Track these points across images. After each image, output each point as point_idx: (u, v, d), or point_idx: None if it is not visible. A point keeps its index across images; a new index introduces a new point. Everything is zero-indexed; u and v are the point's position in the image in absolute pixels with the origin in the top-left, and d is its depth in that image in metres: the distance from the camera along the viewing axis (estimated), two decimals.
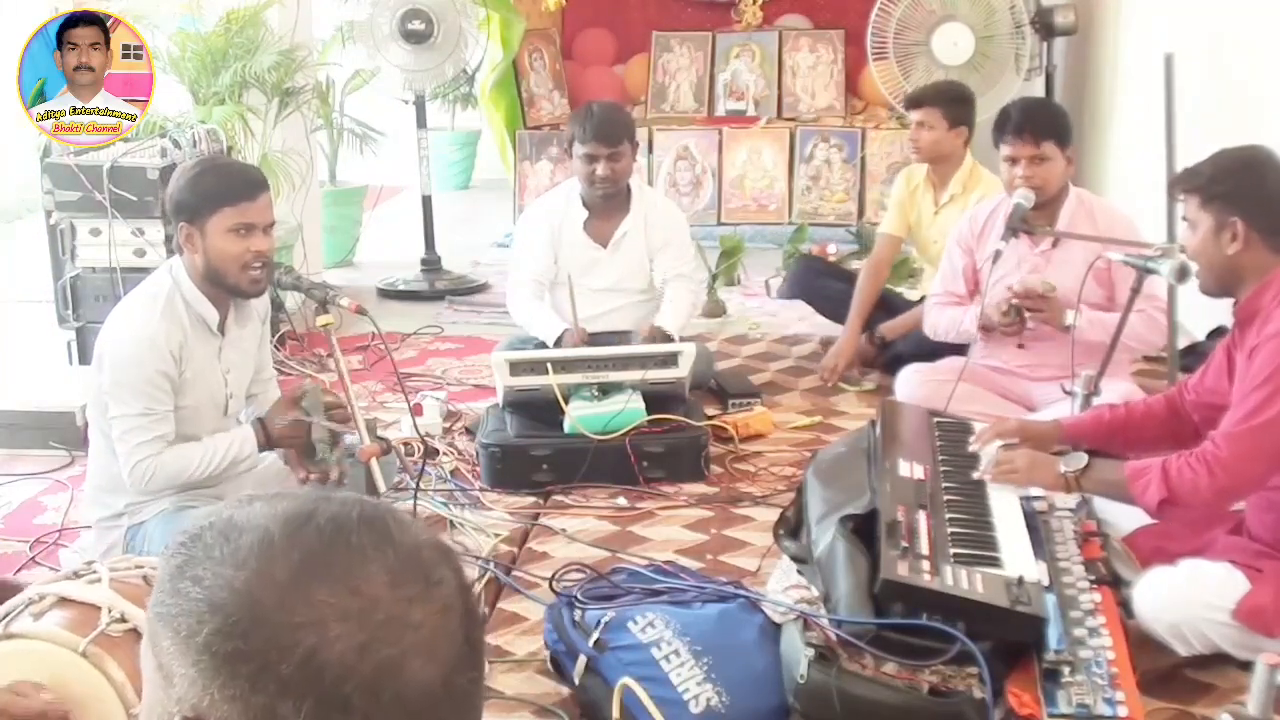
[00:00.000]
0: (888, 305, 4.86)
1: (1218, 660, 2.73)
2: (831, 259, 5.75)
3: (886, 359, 4.70)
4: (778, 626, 2.68)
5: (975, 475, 3.00)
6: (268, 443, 3.25)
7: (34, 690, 2.05)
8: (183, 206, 3.10)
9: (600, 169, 4.45)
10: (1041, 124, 3.91)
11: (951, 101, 4.74)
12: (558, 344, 4.36)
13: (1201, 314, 3.45)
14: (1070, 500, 3.05)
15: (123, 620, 2.19)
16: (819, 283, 5.17)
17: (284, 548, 0.85)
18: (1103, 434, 3.12)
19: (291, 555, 0.85)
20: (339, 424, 3.24)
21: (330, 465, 3.25)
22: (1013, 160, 3.89)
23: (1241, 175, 2.80)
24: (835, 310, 4.96)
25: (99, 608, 2.19)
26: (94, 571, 2.30)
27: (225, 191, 3.09)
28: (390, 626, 0.84)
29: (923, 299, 4.61)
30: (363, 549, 0.86)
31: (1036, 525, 2.88)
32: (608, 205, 4.56)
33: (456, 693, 0.87)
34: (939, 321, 4.21)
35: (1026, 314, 3.89)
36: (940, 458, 3.08)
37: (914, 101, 4.83)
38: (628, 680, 2.42)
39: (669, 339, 4.40)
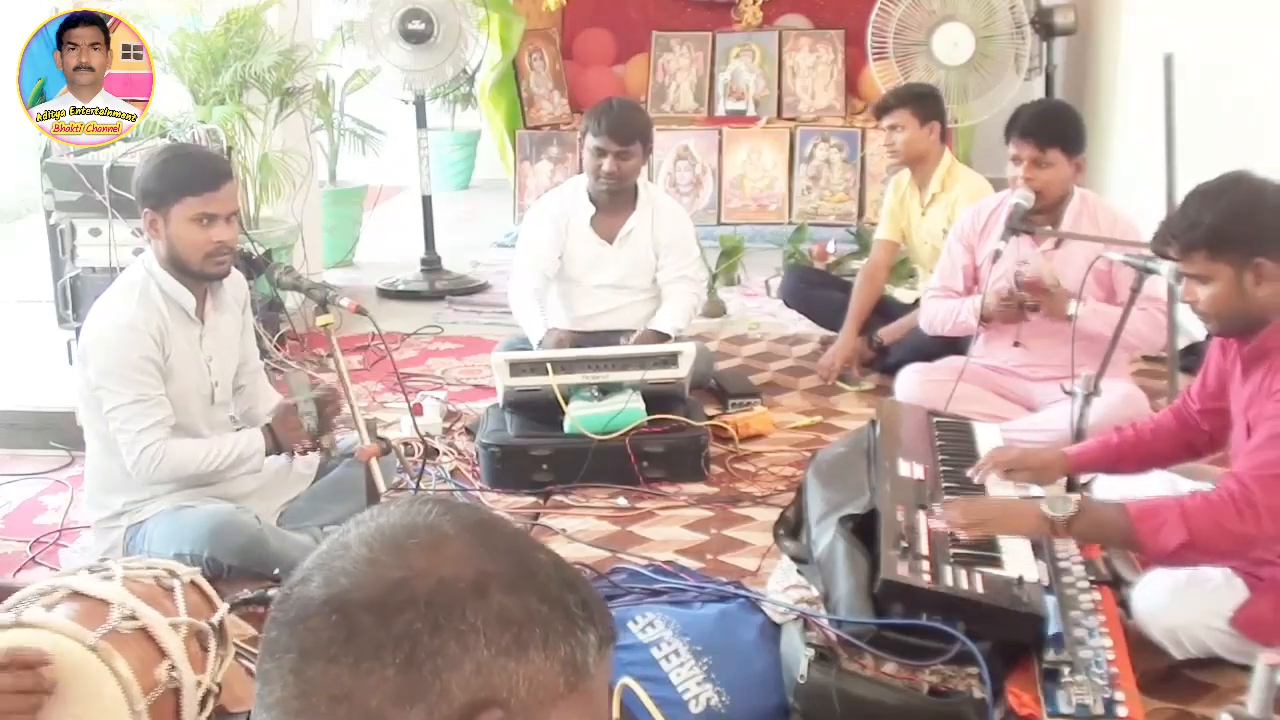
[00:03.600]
0: (884, 310, 4.86)
1: (1217, 660, 2.73)
2: (831, 258, 5.75)
3: (884, 365, 4.69)
4: (778, 626, 2.68)
5: (954, 531, 2.67)
6: (275, 444, 3.25)
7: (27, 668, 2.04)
8: (148, 193, 3.11)
9: (607, 164, 4.44)
10: (1048, 130, 3.89)
11: (918, 99, 4.78)
12: (540, 345, 4.36)
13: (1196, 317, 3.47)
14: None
15: (133, 618, 2.20)
16: (813, 293, 5.17)
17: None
18: (1110, 459, 3.04)
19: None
20: (323, 401, 3.25)
21: (323, 433, 3.28)
22: (1017, 159, 3.90)
23: (1250, 213, 2.63)
24: (832, 319, 4.96)
25: (110, 604, 2.20)
26: (107, 568, 2.31)
27: (189, 181, 3.10)
28: (334, 548, 0.92)
29: (917, 302, 4.62)
30: (397, 508, 0.94)
31: None
32: (614, 202, 4.57)
33: (319, 620, 0.88)
34: (935, 314, 4.21)
35: (1027, 308, 3.89)
36: (940, 458, 3.08)
37: (882, 109, 4.84)
38: (628, 680, 2.42)
39: (666, 340, 4.40)
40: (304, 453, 3.34)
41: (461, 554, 0.90)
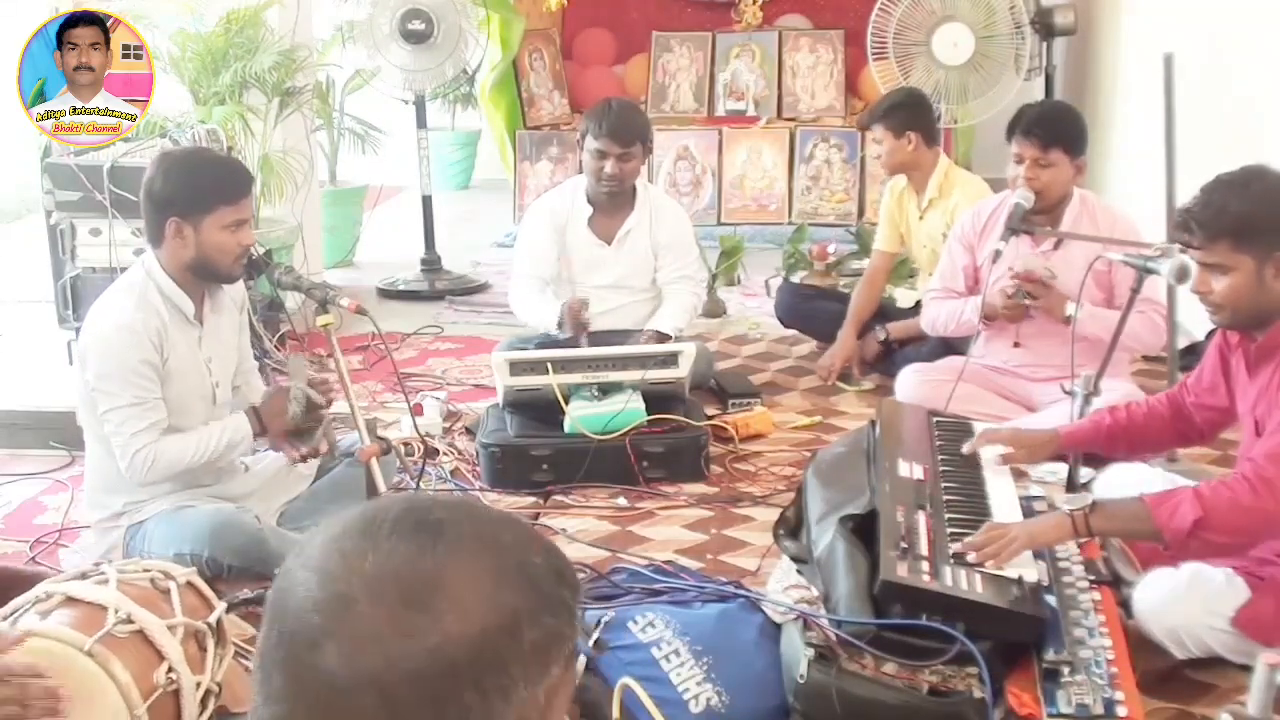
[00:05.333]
0: (883, 315, 4.84)
1: (1217, 660, 2.73)
2: (831, 258, 5.74)
3: (888, 369, 4.65)
4: (778, 626, 2.68)
5: (970, 557, 2.65)
6: (261, 426, 3.25)
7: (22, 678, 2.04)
8: (175, 201, 3.09)
9: (609, 167, 4.44)
10: (1052, 130, 3.88)
11: (888, 113, 4.71)
12: (559, 326, 4.38)
13: (1201, 314, 3.45)
14: (1071, 499, 3.04)
15: (129, 621, 2.20)
16: (807, 306, 5.12)
17: (345, 515, 0.94)
18: (1103, 439, 3.04)
19: (344, 520, 0.93)
20: (319, 392, 3.24)
21: (310, 432, 3.26)
22: (1019, 159, 3.89)
23: (1276, 205, 2.63)
24: (829, 331, 4.89)
25: (105, 608, 2.20)
26: (101, 573, 2.31)
27: (224, 189, 3.11)
28: (338, 603, 0.86)
29: (918, 305, 4.60)
30: (387, 537, 0.90)
31: None
32: (613, 203, 4.57)
33: (356, 700, 0.85)
34: (937, 315, 4.21)
35: (1028, 301, 3.88)
36: (940, 458, 3.08)
37: (862, 125, 4.86)
38: (628, 680, 2.42)
39: (667, 340, 4.40)
40: (303, 459, 3.32)
41: (482, 596, 0.89)
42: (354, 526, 0.91)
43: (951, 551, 2.64)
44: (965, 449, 3.08)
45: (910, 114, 4.71)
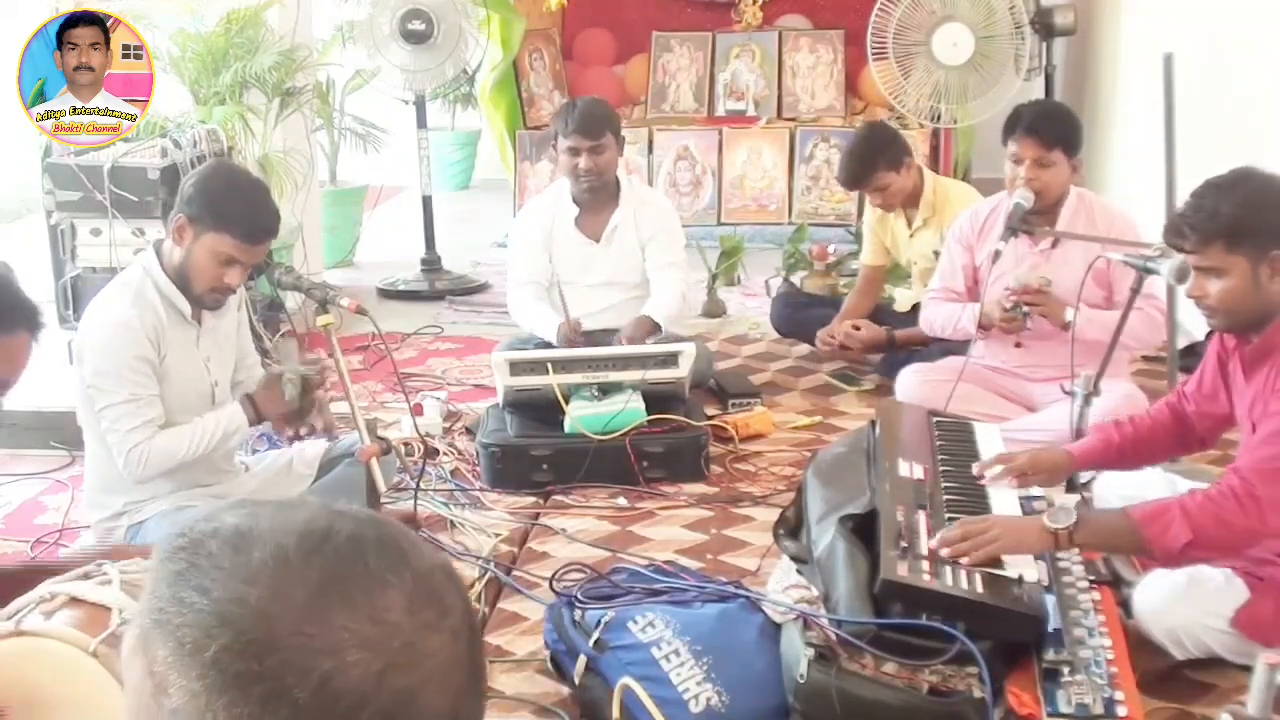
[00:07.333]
0: (880, 319, 4.83)
1: (1218, 660, 2.73)
2: (831, 258, 5.74)
3: (888, 369, 4.64)
4: (778, 626, 2.68)
5: (944, 553, 2.62)
6: (256, 414, 3.25)
7: None
8: (192, 202, 3.09)
9: (583, 162, 4.46)
10: (1054, 130, 3.87)
11: (883, 151, 4.59)
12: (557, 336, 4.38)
13: (1201, 314, 3.47)
14: (1071, 500, 3.04)
15: None
16: (802, 315, 5.10)
17: (301, 567, 0.83)
18: (1114, 455, 3.04)
19: (309, 576, 0.82)
20: (309, 368, 3.24)
21: (307, 412, 3.25)
22: (1018, 160, 3.88)
23: (1267, 205, 2.62)
24: None
25: (109, 609, 2.20)
26: (104, 573, 2.31)
27: (237, 222, 3.07)
28: (407, 654, 0.82)
29: (915, 309, 4.59)
30: (381, 573, 0.84)
31: None
32: (596, 200, 4.58)
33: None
34: (935, 316, 4.20)
35: (1026, 311, 3.88)
36: (940, 458, 3.08)
37: (855, 179, 4.66)
38: (628, 680, 2.43)
39: (657, 327, 4.40)
40: (299, 438, 3.32)
41: (443, 562, 0.93)
42: (329, 590, 0.82)
43: (927, 548, 2.62)
44: (976, 469, 3.02)
45: (898, 141, 4.69)
